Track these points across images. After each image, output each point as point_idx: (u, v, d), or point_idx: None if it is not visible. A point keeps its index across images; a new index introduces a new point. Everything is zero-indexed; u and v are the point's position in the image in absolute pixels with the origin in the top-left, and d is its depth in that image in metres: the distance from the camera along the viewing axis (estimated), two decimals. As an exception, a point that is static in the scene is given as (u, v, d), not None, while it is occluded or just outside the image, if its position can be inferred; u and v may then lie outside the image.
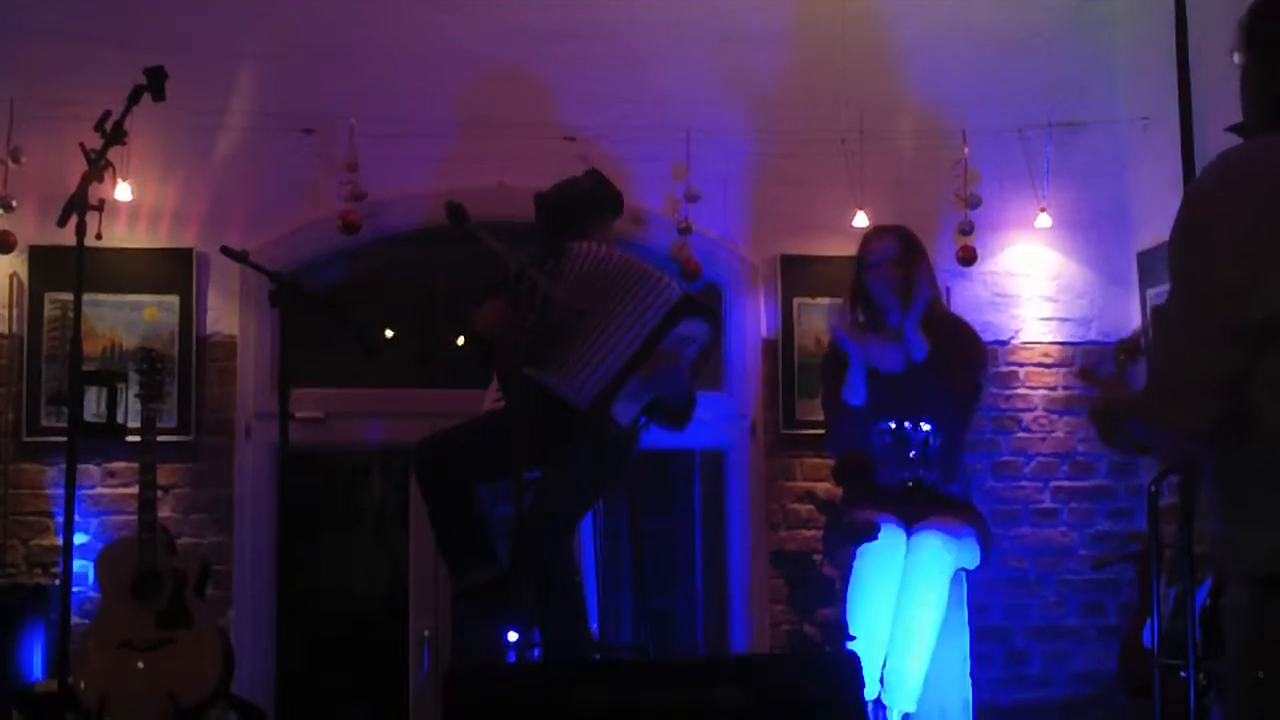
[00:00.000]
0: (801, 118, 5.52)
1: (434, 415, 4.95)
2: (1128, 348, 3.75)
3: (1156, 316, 2.14)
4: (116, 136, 3.80)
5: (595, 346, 4.15)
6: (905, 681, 4.10)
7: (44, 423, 5.02)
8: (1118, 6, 5.79)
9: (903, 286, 4.45)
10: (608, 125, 5.36)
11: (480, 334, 4.27)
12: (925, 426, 4.37)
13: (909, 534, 4.22)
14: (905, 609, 4.12)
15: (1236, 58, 2.20)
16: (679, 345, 4.19)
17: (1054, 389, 5.64)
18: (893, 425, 4.39)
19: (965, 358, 4.48)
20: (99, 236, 4.17)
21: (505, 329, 4.13)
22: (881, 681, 4.11)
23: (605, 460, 4.21)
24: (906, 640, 4.11)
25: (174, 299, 5.15)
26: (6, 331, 5.07)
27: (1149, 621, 4.73)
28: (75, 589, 4.50)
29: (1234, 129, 2.27)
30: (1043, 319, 5.65)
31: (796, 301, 5.48)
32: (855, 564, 4.20)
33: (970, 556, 4.33)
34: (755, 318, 5.52)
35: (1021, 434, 5.62)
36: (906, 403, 4.39)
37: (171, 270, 5.17)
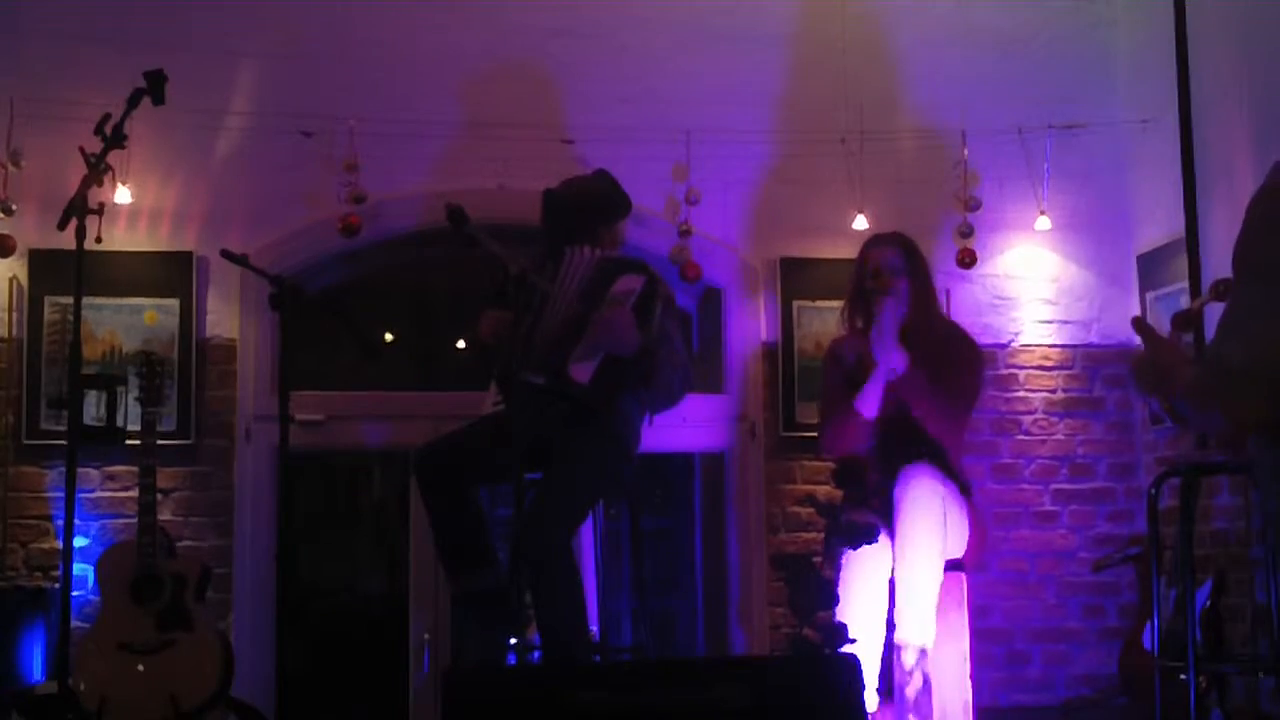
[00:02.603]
0: (801, 118, 5.52)
1: (434, 417, 4.96)
2: (1187, 318, 3.62)
3: (1230, 307, 2.12)
4: (116, 140, 3.79)
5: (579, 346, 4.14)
6: (918, 617, 4.08)
7: (44, 426, 5.01)
8: (1118, 7, 5.80)
9: (880, 301, 4.42)
10: (607, 125, 5.36)
11: (483, 343, 4.26)
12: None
13: (898, 476, 4.20)
14: (905, 545, 4.10)
15: None
16: (618, 299, 4.17)
17: (1054, 392, 5.64)
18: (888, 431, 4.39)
19: (956, 365, 4.45)
20: (99, 240, 4.18)
21: (506, 337, 4.13)
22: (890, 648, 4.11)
23: (606, 461, 4.21)
24: (910, 576, 4.08)
25: (174, 302, 5.15)
26: (6, 335, 5.07)
27: (1149, 623, 4.73)
28: (75, 592, 4.49)
29: None
30: (1042, 321, 5.65)
31: (796, 304, 5.48)
32: (843, 567, 4.17)
33: (959, 541, 4.30)
34: (755, 320, 5.52)
35: (1021, 436, 5.62)
36: (899, 409, 4.37)
37: (171, 273, 5.17)
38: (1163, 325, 3.47)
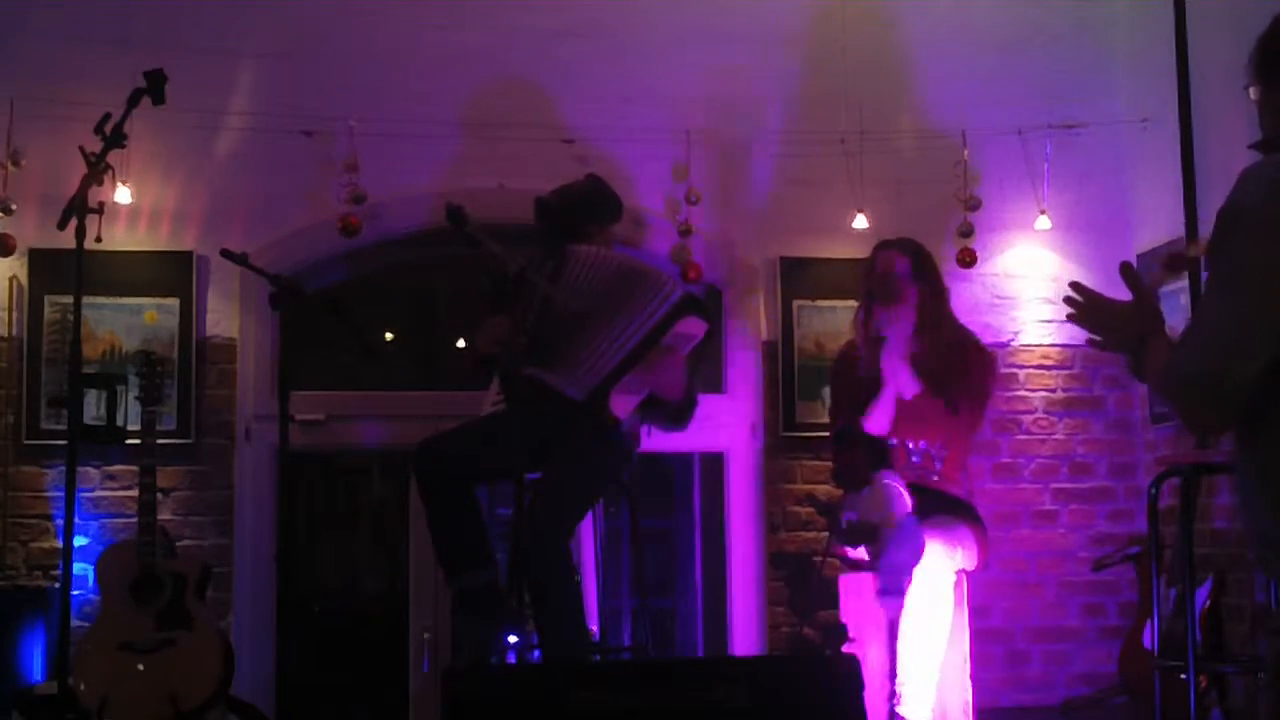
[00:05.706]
0: (801, 118, 5.52)
1: (434, 417, 4.96)
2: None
3: (1196, 313, 2.18)
4: (116, 139, 3.79)
5: (595, 345, 4.17)
6: (920, 693, 4.09)
7: (44, 425, 5.01)
8: (1118, 7, 5.79)
9: (884, 312, 4.44)
10: (608, 125, 5.36)
11: (483, 355, 4.27)
12: (924, 443, 4.38)
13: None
14: (913, 621, 4.12)
15: (1253, 93, 2.24)
16: (677, 342, 4.21)
17: (1054, 391, 5.64)
18: (894, 442, 4.40)
19: (966, 372, 4.45)
20: (99, 239, 4.18)
21: (506, 342, 4.13)
22: (897, 695, 4.11)
23: (605, 461, 4.22)
24: (917, 653, 4.10)
25: (174, 301, 5.15)
26: (6, 334, 5.07)
27: (1149, 623, 4.73)
28: (75, 591, 4.50)
29: (1256, 146, 2.30)
30: (1042, 321, 5.64)
31: (796, 304, 5.48)
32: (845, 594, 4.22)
33: (968, 558, 4.33)
34: (755, 320, 5.52)
35: (1021, 436, 5.62)
36: (908, 416, 4.38)
37: (171, 273, 5.17)
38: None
